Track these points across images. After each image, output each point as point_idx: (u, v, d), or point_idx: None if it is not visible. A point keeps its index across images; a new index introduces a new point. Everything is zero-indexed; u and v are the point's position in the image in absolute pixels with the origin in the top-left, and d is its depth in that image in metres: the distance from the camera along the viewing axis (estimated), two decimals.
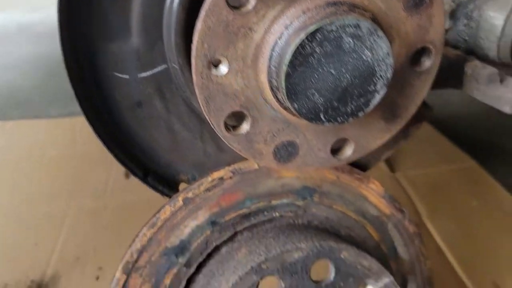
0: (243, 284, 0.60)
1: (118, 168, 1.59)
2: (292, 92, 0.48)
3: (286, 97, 0.48)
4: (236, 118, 0.56)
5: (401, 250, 0.78)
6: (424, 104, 0.76)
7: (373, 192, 0.75)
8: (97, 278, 1.16)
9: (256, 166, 0.68)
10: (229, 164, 0.68)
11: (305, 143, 0.58)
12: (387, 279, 0.66)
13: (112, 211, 1.37)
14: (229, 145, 0.55)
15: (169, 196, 0.68)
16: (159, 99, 0.63)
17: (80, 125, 1.82)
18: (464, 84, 0.66)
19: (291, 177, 0.71)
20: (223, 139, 0.54)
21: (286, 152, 0.58)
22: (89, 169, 1.58)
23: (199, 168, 0.70)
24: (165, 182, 0.69)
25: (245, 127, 0.55)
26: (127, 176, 1.54)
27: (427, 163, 1.61)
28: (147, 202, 1.40)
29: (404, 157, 1.65)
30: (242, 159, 0.69)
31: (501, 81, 0.63)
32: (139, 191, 1.45)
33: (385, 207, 0.76)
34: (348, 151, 0.61)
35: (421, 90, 0.57)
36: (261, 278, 0.61)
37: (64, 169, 1.57)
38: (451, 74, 0.70)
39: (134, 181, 1.60)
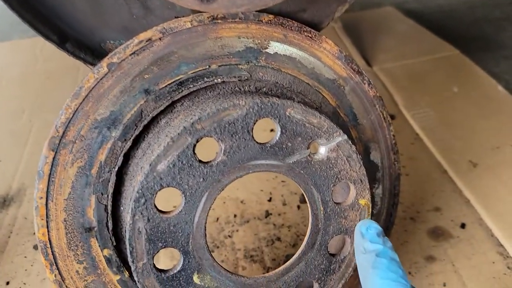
0: (176, 146, 0.54)
1: None
2: None
3: None
4: None
5: (361, 116, 0.72)
6: None
7: (326, 53, 0.68)
8: None
9: (188, 25, 0.61)
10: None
11: None
12: (340, 137, 0.61)
13: None
14: None
15: (94, 65, 0.61)
16: None
17: (41, 44, 1.71)
18: None
19: (231, 36, 0.63)
20: None
21: None
22: (51, 86, 1.50)
23: (128, 34, 0.63)
24: (88, 50, 0.61)
25: None
26: None
27: (407, 55, 1.52)
28: None
29: (383, 52, 1.56)
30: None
31: None
32: None
33: (341, 69, 0.69)
34: None
35: None
36: (197, 140, 0.55)
37: (25, 88, 1.49)
38: None
39: None
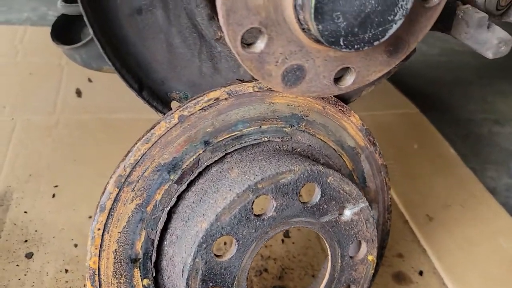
0: (240, 201, 0.62)
1: (67, 86, 1.50)
2: (320, 12, 0.48)
3: (313, 17, 0.48)
4: (249, 37, 0.55)
5: (369, 180, 0.85)
6: None
7: (352, 125, 0.80)
8: (53, 195, 1.12)
9: (250, 90, 0.69)
10: (223, 86, 0.68)
11: (313, 69, 0.59)
12: (363, 204, 0.72)
13: (65, 127, 1.30)
14: (241, 63, 0.55)
15: (162, 113, 0.67)
16: (161, 8, 0.60)
17: (20, 35, 1.66)
18: (453, 26, 0.70)
19: (282, 104, 0.72)
20: (236, 55, 0.54)
21: (293, 76, 0.59)
22: (35, 83, 1.46)
23: (193, 88, 0.69)
24: (158, 98, 0.67)
25: (260, 45, 0.54)
26: (79, 94, 1.46)
27: (375, 107, 1.70)
28: (100, 120, 1.36)
29: (357, 101, 1.72)
30: (234, 81, 0.69)
31: (488, 26, 0.67)
32: (91, 109, 1.41)
33: (361, 140, 0.81)
34: (349, 80, 0.63)
35: (425, 27, 0.60)
36: (257, 197, 0.63)
37: (6, 81, 1.44)
38: (444, 16, 0.73)
39: (86, 100, 1.53)
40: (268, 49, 0.55)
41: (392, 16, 0.51)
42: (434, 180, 1.40)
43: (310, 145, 0.77)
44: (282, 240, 1.13)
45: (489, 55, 0.68)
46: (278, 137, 0.73)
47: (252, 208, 0.63)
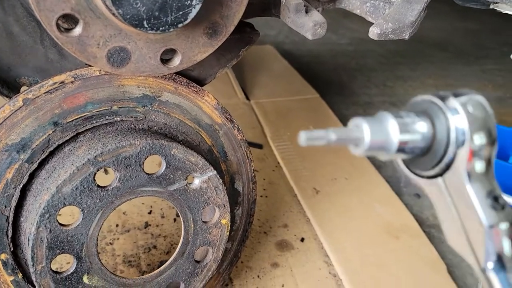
0: (81, 173, 0.68)
1: None
2: None
3: (111, 2, 0.55)
4: (71, 22, 0.61)
5: (230, 154, 0.93)
6: (253, 29, 0.89)
7: (207, 104, 0.87)
8: None
9: (97, 73, 0.75)
10: (71, 71, 0.73)
11: (137, 51, 0.66)
12: (211, 172, 0.80)
13: None
14: (63, 47, 0.61)
15: (9, 97, 0.71)
16: None
17: None
18: (281, 13, 0.80)
19: (132, 85, 0.79)
20: (56, 39, 0.60)
21: (119, 57, 0.66)
22: None
23: (42, 74, 0.74)
24: (4, 84, 0.71)
25: (77, 30, 0.60)
26: None
27: (278, 94, 1.81)
28: None
29: (260, 88, 1.82)
30: (84, 66, 0.75)
31: (306, 11, 0.77)
32: None
33: (217, 117, 0.89)
34: (176, 61, 0.70)
35: (238, 12, 0.69)
36: (98, 170, 0.70)
37: None
38: (273, 4, 0.82)
39: None
40: (86, 33, 0.61)
41: (189, 2, 0.59)
42: (324, 158, 1.52)
43: (166, 124, 0.84)
44: (174, 219, 1.20)
45: (309, 36, 0.78)
46: (131, 117, 0.80)
47: (95, 180, 0.70)
